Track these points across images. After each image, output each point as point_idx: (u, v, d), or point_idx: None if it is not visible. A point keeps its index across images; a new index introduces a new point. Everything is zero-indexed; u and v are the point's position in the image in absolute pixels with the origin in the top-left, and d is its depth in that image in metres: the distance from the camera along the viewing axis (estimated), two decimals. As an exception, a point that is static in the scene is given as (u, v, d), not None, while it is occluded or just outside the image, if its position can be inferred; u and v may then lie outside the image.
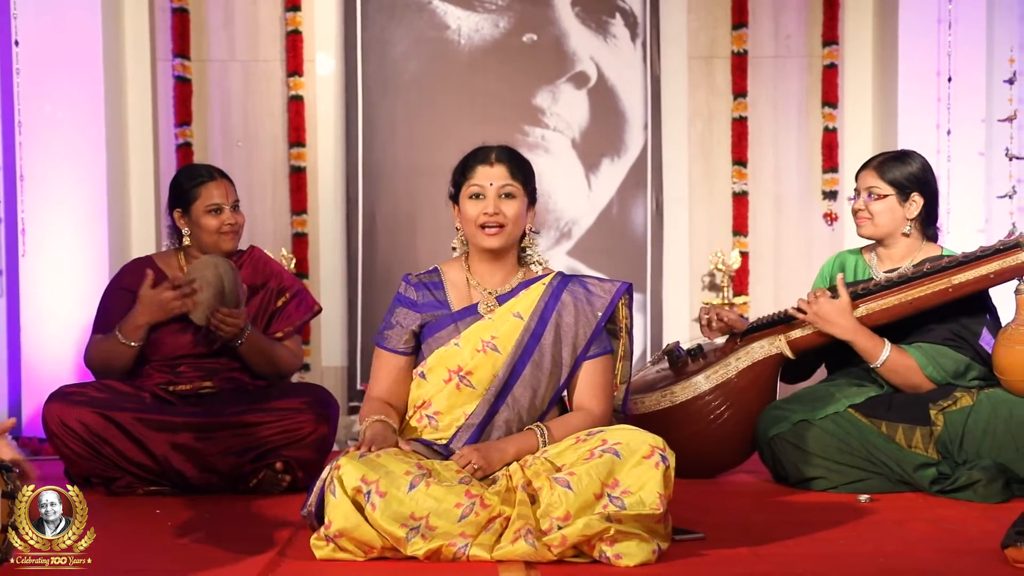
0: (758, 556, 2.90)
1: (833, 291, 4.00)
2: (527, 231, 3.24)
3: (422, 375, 3.16)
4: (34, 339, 5.36)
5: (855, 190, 4.09)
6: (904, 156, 4.06)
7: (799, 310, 4.03)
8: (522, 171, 3.21)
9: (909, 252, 4.05)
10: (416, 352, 3.21)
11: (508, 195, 3.16)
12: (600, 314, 3.19)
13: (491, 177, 3.16)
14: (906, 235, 4.03)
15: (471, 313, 3.18)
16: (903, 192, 3.99)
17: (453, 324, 3.17)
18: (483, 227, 3.15)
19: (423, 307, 3.21)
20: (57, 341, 5.29)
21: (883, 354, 3.89)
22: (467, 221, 3.19)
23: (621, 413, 3.31)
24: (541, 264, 3.27)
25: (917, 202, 4.01)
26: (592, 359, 3.19)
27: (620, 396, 3.31)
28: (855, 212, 4.07)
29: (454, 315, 3.19)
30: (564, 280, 3.23)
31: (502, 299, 3.20)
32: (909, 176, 4.01)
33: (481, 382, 3.12)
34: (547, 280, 3.22)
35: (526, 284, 3.22)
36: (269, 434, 3.94)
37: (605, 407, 3.20)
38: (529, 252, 3.26)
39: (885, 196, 3.99)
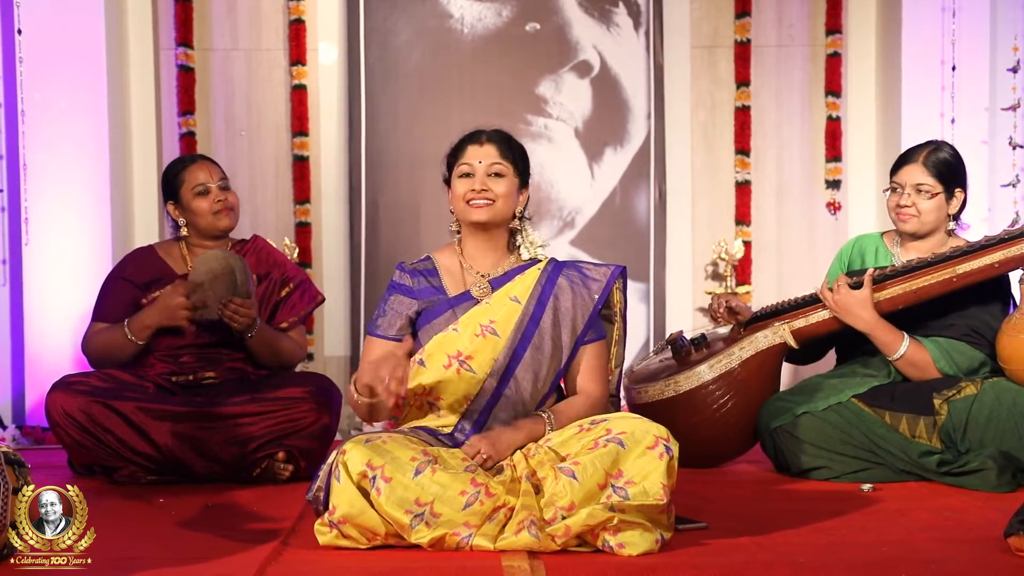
0: (760, 545, 2.90)
1: (852, 275, 4.00)
2: (517, 214, 3.26)
3: (421, 362, 3.15)
4: (37, 328, 5.36)
5: (896, 183, 4.03)
6: (944, 149, 4.03)
7: (817, 297, 4.04)
8: (512, 151, 3.26)
9: (938, 245, 4.03)
10: (407, 338, 3.21)
11: (497, 173, 3.21)
12: (597, 297, 3.23)
13: (480, 156, 3.22)
14: (949, 232, 4.03)
15: (467, 298, 3.20)
16: (949, 189, 3.98)
17: (450, 310, 3.18)
18: (470, 202, 3.20)
19: (419, 293, 3.23)
20: (60, 331, 5.29)
21: (901, 348, 3.89)
22: (456, 198, 3.24)
23: (615, 397, 3.34)
24: (534, 250, 3.28)
25: (959, 198, 4.01)
26: (589, 343, 3.22)
27: (614, 381, 3.34)
28: (899, 207, 4.01)
29: (451, 300, 3.20)
30: (559, 265, 3.26)
31: (495, 283, 3.22)
32: (954, 172, 4.00)
33: (481, 366, 3.12)
34: (542, 265, 3.24)
35: (520, 269, 3.24)
36: (271, 423, 3.94)
37: (604, 390, 3.24)
38: (522, 240, 3.28)
39: (936, 194, 3.97)
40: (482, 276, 3.24)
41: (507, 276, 3.23)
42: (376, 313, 3.26)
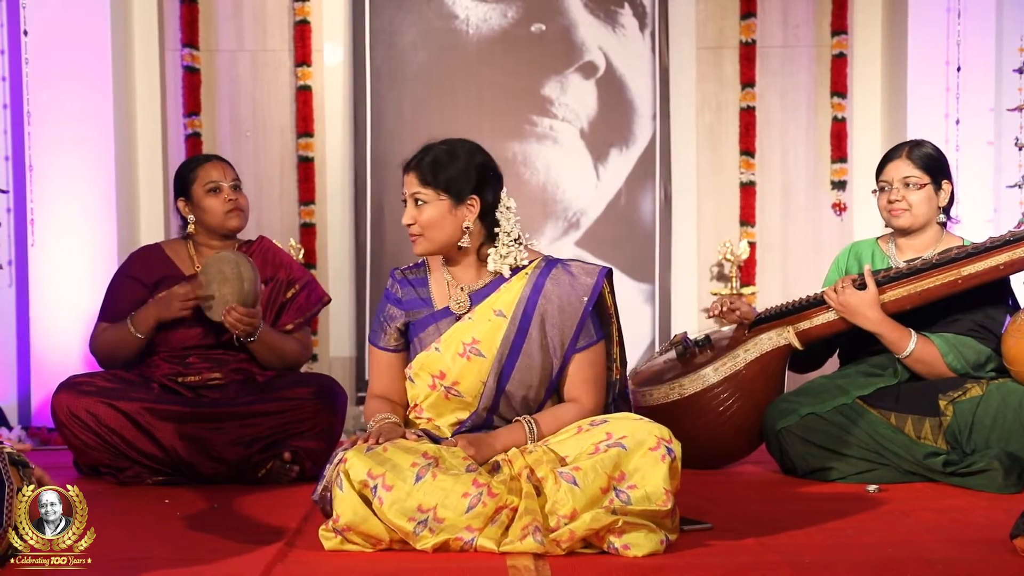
0: (766, 546, 2.90)
1: (857, 279, 4.00)
2: (468, 227, 3.08)
3: (410, 379, 3.14)
4: (43, 329, 5.37)
5: (883, 182, 4.03)
6: (925, 144, 4.05)
7: (822, 298, 4.03)
8: (435, 175, 3.05)
9: (933, 242, 4.03)
10: (407, 348, 3.19)
11: (420, 201, 3.06)
12: (586, 299, 3.08)
13: (406, 185, 3.10)
14: (940, 224, 4.03)
15: (447, 314, 3.12)
16: (936, 180, 3.99)
17: (434, 325, 3.12)
18: (410, 235, 3.12)
19: (407, 304, 3.18)
20: (66, 331, 5.31)
21: (909, 345, 3.88)
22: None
23: (624, 399, 3.25)
24: (501, 265, 3.10)
25: (946, 190, 4.01)
26: (582, 351, 3.10)
27: (618, 382, 3.26)
28: (890, 203, 4.01)
29: (435, 315, 3.13)
30: (547, 267, 3.12)
31: (476, 296, 3.12)
32: (939, 164, 4.01)
33: (470, 391, 3.07)
34: (528, 270, 3.12)
35: (504, 279, 3.12)
36: (277, 424, 3.94)
37: (597, 399, 3.12)
38: (493, 252, 3.11)
39: (924, 185, 3.97)
40: (462, 290, 3.14)
41: (490, 287, 3.13)
42: (374, 322, 3.21)
